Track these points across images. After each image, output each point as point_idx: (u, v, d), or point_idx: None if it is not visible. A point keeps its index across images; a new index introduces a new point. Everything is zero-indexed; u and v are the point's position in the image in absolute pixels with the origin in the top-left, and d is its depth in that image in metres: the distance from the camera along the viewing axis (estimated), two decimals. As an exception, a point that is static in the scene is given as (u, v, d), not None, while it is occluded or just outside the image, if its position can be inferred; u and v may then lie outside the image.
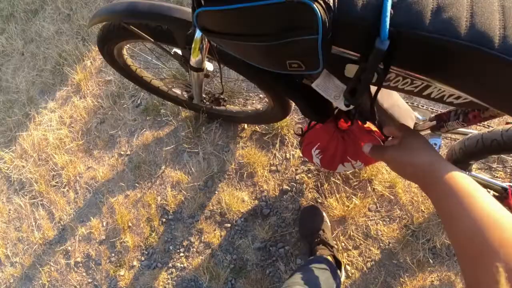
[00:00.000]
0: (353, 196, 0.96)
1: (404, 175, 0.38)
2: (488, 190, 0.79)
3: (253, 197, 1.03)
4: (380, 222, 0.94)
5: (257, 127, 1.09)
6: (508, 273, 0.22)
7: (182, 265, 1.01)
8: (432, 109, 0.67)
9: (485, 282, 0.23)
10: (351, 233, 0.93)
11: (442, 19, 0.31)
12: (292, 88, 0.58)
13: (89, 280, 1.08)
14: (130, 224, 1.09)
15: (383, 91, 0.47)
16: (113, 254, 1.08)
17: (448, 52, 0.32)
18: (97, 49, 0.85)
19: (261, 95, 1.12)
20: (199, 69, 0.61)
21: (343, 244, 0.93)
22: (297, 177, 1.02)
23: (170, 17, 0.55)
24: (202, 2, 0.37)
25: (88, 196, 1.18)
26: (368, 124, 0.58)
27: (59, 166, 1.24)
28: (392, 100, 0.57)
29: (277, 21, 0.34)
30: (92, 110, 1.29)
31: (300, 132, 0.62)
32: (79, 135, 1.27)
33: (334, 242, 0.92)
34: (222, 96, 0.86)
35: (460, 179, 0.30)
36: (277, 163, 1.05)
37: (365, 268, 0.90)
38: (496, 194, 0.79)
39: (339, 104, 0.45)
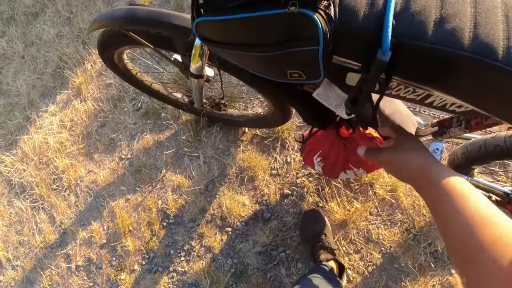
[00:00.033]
0: (354, 200, 0.96)
1: (399, 177, 0.38)
2: (490, 195, 0.78)
3: (254, 201, 1.02)
4: (382, 226, 0.94)
5: (257, 130, 1.09)
6: (498, 271, 0.22)
7: (183, 269, 1.01)
8: (434, 114, 0.66)
9: (483, 282, 0.23)
10: (352, 237, 0.93)
11: (445, 30, 0.30)
12: (293, 95, 0.58)
13: (90, 284, 1.08)
14: (131, 228, 1.09)
15: (385, 97, 0.47)
16: (114, 258, 1.08)
17: (451, 63, 0.32)
18: (97, 52, 0.85)
19: (261, 99, 1.12)
20: (199, 76, 0.61)
21: (344, 248, 0.93)
22: (298, 181, 1.01)
23: (170, 24, 0.55)
24: (202, 11, 0.37)
25: (89, 200, 1.18)
26: (370, 130, 0.58)
27: (60, 169, 1.24)
28: (393, 106, 0.57)
29: (277, 32, 0.34)
30: (93, 114, 1.29)
31: (301, 139, 0.62)
32: (79, 139, 1.27)
33: (336, 246, 0.92)
34: (222, 101, 0.85)
35: (453, 181, 0.31)
36: (278, 166, 1.05)
37: (366, 273, 0.90)
38: (498, 199, 0.79)
39: (341, 112, 0.45)
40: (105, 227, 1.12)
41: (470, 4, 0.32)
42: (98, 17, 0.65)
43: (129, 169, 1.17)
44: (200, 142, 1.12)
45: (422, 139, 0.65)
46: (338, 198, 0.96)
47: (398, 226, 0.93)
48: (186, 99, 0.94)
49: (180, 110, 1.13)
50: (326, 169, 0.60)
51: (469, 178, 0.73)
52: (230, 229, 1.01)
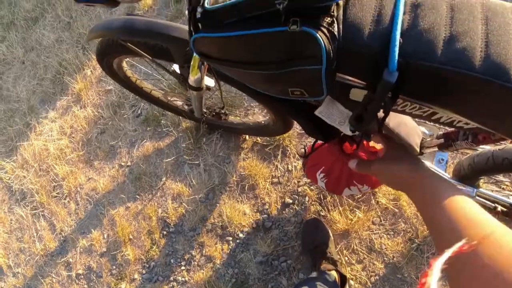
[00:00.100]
0: (356, 209, 0.94)
1: (391, 186, 0.39)
2: (496, 205, 0.76)
3: (255, 210, 1.01)
4: (384, 235, 0.92)
5: (258, 138, 1.07)
6: (483, 269, 0.22)
7: (183, 279, 1.00)
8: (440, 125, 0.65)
9: (467, 283, 0.23)
10: (355, 247, 0.92)
11: (455, 49, 0.29)
12: (295, 109, 0.56)
13: (91, 293, 1.07)
14: (131, 237, 1.08)
15: (389, 111, 0.45)
16: (114, 267, 1.07)
17: (461, 84, 0.30)
18: (96, 60, 0.85)
19: (262, 107, 1.11)
20: (198, 88, 0.60)
21: (346, 258, 0.91)
22: (299, 189, 1.00)
23: (168, 36, 0.54)
24: (200, 25, 0.35)
25: (89, 207, 1.17)
26: (373, 143, 0.56)
27: (60, 176, 1.24)
28: (398, 119, 0.56)
29: (278, 50, 0.33)
30: (93, 120, 1.29)
31: (304, 154, 0.60)
32: (79, 146, 1.27)
33: (338, 256, 0.90)
34: (223, 111, 0.84)
35: (438, 184, 0.31)
36: (279, 175, 1.03)
37: (369, 283, 0.88)
38: (504, 209, 0.77)
39: (344, 129, 0.44)
40: (105, 235, 1.11)
41: (481, 21, 0.30)
42: (95, 27, 0.64)
43: (129, 176, 1.16)
44: (201, 150, 1.11)
45: (427, 150, 0.64)
46: (340, 207, 0.95)
47: (401, 236, 0.91)
48: (186, 107, 0.93)
49: (180, 117, 1.12)
50: (330, 185, 0.59)
51: (475, 190, 0.71)
52: (230, 238, 1.00)
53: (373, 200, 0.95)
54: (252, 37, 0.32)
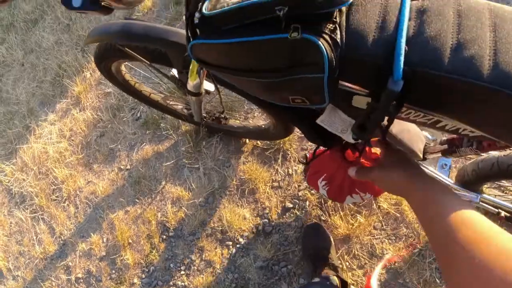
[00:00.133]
0: (357, 214, 0.93)
1: (391, 192, 0.39)
2: (499, 211, 0.75)
3: (255, 214, 1.00)
4: (386, 240, 0.91)
5: (258, 141, 1.06)
6: (474, 269, 0.22)
7: (183, 284, 0.99)
8: (443, 130, 0.63)
9: (467, 284, 0.23)
10: (356, 252, 0.90)
11: (463, 57, 0.28)
12: (296, 115, 0.55)
13: (90, 297, 1.06)
14: (130, 241, 1.07)
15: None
16: (113, 271, 1.06)
17: (468, 93, 0.29)
18: (94, 63, 0.84)
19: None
20: (197, 93, 0.59)
21: (347, 263, 0.90)
22: (300, 193, 0.99)
23: (167, 41, 0.53)
24: (198, 32, 0.34)
25: (88, 211, 1.16)
26: (375, 150, 0.55)
27: (59, 180, 1.23)
28: (401, 125, 0.54)
29: (278, 58, 0.32)
30: (92, 123, 1.28)
31: (305, 160, 0.59)
32: (79, 149, 1.26)
33: (339, 261, 0.89)
34: (223, 115, 0.83)
35: (437, 190, 0.32)
36: (279, 179, 1.02)
37: (371, 289, 0.87)
38: (508, 215, 0.76)
39: (347, 137, 0.43)
40: (105, 239, 1.11)
41: (489, 28, 0.29)
42: (93, 31, 0.63)
43: (128, 180, 1.15)
44: (200, 153, 1.10)
45: (431, 156, 0.63)
46: (341, 212, 0.94)
47: (403, 241, 0.90)
48: (185, 111, 0.92)
49: (180, 120, 1.11)
50: (332, 192, 0.58)
51: (479, 196, 0.70)
52: (230, 243, 0.99)
53: (374, 205, 0.93)
54: (251, 44, 0.31)
